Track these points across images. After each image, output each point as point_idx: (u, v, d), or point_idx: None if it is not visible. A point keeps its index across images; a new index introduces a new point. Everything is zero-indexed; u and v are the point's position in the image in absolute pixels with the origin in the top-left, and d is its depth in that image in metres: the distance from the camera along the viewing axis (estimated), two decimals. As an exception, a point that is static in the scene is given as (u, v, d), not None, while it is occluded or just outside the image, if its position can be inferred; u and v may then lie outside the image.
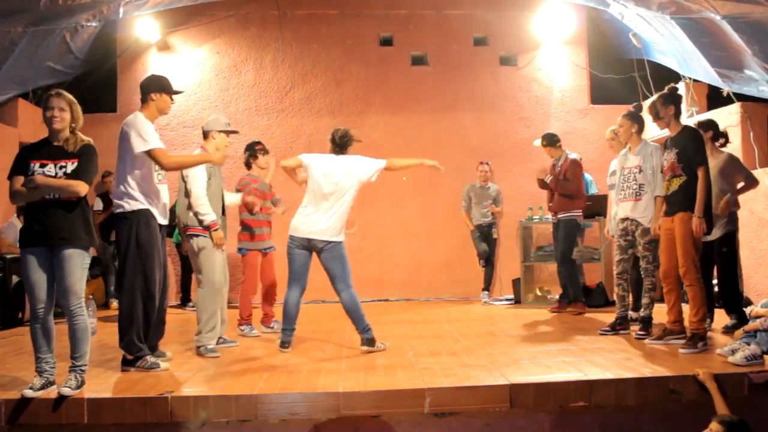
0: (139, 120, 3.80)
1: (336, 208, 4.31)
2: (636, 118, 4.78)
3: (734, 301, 4.94)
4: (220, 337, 4.54)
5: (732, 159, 4.97)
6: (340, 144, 4.45)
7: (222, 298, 4.52)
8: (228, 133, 4.62)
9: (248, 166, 5.40)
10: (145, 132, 3.75)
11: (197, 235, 4.33)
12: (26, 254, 3.36)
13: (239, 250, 5.25)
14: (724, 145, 5.15)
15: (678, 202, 4.15)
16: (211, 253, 4.34)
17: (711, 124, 5.08)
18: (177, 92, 4.11)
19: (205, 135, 4.60)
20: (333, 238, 4.29)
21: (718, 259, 4.96)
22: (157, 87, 3.94)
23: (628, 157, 4.81)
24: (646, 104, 7.90)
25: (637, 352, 4.02)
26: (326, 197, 4.32)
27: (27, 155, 3.42)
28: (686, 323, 4.18)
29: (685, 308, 4.24)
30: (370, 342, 4.31)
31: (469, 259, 7.63)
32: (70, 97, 3.47)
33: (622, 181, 4.78)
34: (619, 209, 4.83)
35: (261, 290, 5.39)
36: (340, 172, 4.35)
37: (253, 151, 5.36)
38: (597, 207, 6.57)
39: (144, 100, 3.94)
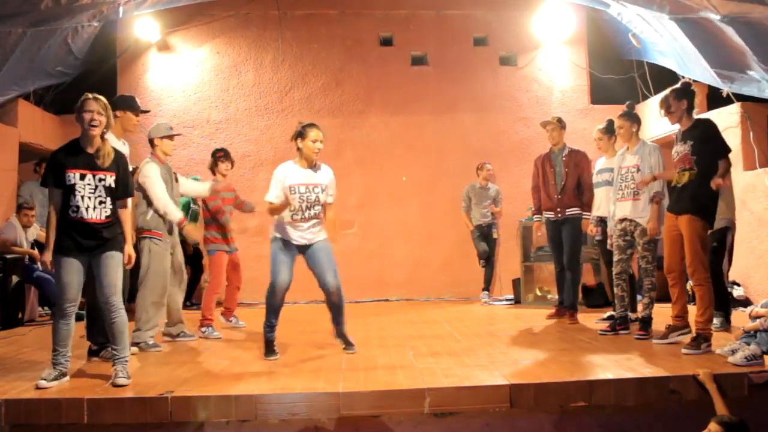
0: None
1: None
2: (635, 118, 4.78)
3: (719, 298, 4.94)
4: (181, 332, 4.90)
5: None
6: None
7: (172, 297, 4.75)
8: (171, 137, 4.80)
9: (213, 171, 5.68)
10: None
11: (151, 238, 4.53)
12: (64, 257, 3.41)
13: (208, 251, 5.46)
14: None
15: (686, 201, 4.05)
16: (161, 256, 4.55)
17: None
18: (144, 111, 4.52)
19: (151, 143, 4.77)
20: None
21: None
22: (123, 105, 4.29)
23: (625, 157, 4.80)
24: (644, 104, 7.95)
25: (637, 352, 4.01)
26: None
27: (63, 163, 3.39)
28: (692, 323, 4.14)
29: (692, 309, 4.21)
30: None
31: (469, 259, 7.63)
32: (105, 101, 3.49)
33: (620, 181, 4.78)
34: (617, 209, 4.83)
35: (226, 288, 5.65)
36: None
37: (215, 159, 5.64)
38: None
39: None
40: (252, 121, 8.26)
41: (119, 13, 6.39)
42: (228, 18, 8.31)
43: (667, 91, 4.28)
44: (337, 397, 3.16)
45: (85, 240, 3.41)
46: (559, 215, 5.59)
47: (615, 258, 4.83)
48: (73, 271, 3.41)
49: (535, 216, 5.99)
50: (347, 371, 3.65)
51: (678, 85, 4.25)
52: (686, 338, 4.12)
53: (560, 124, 5.71)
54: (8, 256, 6.05)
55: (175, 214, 4.56)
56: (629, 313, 5.00)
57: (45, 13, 5.53)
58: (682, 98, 4.14)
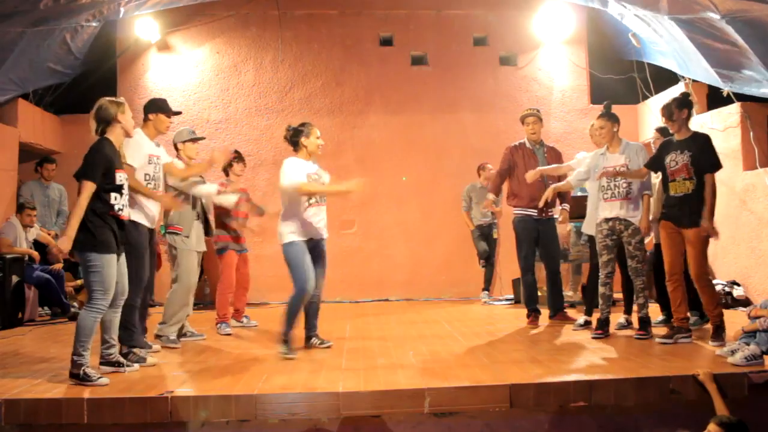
0: (136, 135, 4.06)
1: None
2: (615, 118, 4.78)
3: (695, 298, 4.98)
4: (188, 331, 4.91)
5: None
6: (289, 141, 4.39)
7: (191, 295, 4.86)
8: (194, 140, 4.96)
9: (226, 173, 5.66)
10: (132, 149, 4.04)
11: (175, 233, 4.62)
12: (109, 256, 3.53)
13: (218, 250, 5.46)
14: None
15: (690, 211, 4.22)
16: (186, 252, 4.64)
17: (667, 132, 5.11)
18: (176, 113, 4.56)
19: (175, 147, 4.94)
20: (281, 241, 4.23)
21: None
22: (154, 108, 4.36)
23: (608, 157, 4.75)
24: (645, 104, 7.96)
25: (636, 352, 4.02)
26: None
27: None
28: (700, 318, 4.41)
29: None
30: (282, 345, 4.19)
31: (469, 259, 7.63)
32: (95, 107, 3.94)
33: (608, 181, 4.70)
34: (603, 209, 4.74)
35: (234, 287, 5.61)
36: None
37: (229, 160, 5.60)
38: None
39: (144, 119, 4.36)
40: (252, 121, 8.26)
41: (119, 13, 6.39)
42: (228, 18, 8.31)
43: (669, 99, 4.43)
44: (337, 397, 3.16)
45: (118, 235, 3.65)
46: (544, 215, 5.42)
47: (603, 259, 4.73)
48: (115, 268, 3.59)
49: (489, 195, 5.69)
50: (347, 371, 3.65)
51: (679, 95, 4.41)
52: (688, 342, 4.22)
53: (540, 115, 5.65)
54: (8, 256, 6.04)
55: (208, 188, 4.75)
56: (625, 315, 5.10)
57: (44, 13, 5.54)
58: (683, 108, 4.34)
